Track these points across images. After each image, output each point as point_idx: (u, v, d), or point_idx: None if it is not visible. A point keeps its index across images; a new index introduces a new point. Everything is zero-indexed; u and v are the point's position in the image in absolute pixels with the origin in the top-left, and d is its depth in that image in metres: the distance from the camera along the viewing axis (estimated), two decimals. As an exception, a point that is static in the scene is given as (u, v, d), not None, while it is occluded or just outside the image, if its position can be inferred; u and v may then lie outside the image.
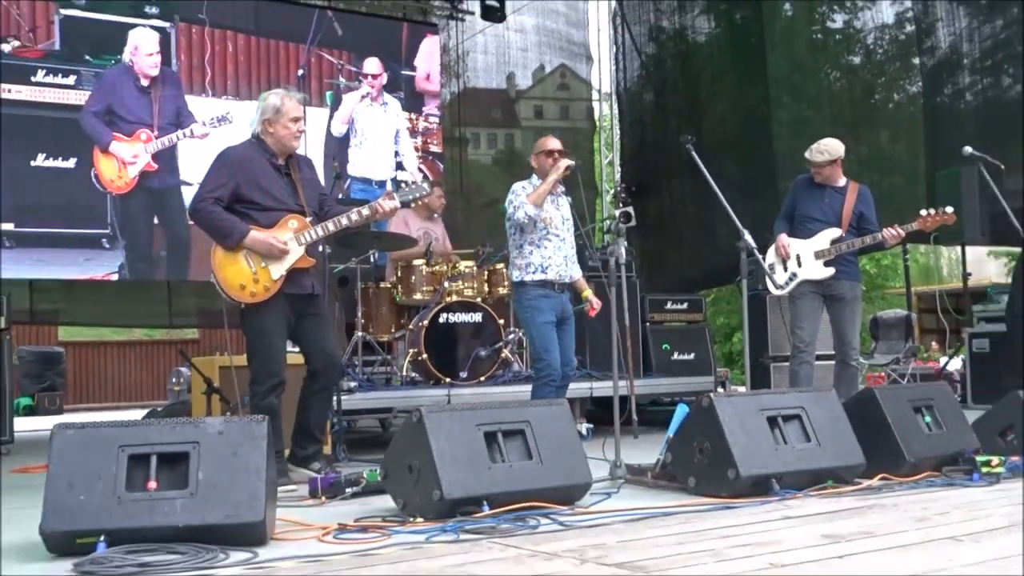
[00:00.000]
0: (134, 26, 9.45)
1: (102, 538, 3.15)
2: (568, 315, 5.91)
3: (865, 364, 9.68)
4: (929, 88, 10.08)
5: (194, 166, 9.25)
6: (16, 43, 8.92)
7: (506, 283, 7.08)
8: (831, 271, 6.32)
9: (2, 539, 3.59)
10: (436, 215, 8.21)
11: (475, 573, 2.86)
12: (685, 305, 9.18)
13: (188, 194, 9.16)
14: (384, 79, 10.80)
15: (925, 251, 20.56)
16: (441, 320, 7.18)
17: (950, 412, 4.93)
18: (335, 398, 5.68)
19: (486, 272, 7.70)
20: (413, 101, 11.06)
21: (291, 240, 4.85)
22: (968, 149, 6.71)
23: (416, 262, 7.52)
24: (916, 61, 10.24)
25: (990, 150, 6.81)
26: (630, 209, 5.37)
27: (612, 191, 12.30)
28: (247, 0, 10.22)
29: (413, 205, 5.39)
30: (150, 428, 3.55)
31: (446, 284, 7.42)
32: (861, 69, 10.89)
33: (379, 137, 10.75)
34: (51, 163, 8.97)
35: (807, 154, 6.54)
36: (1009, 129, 9.13)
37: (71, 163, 9.05)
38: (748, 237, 5.44)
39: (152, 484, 3.32)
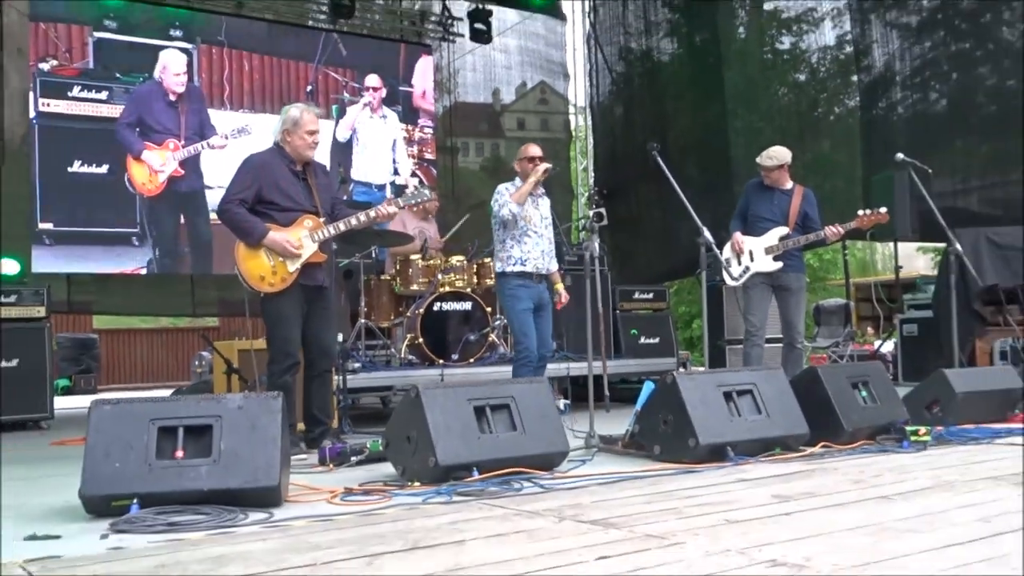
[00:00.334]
0: (161, 47, 9.48)
1: (135, 501, 3.16)
2: (545, 303, 5.92)
3: (809, 347, 9.72)
4: (866, 102, 10.10)
5: (216, 172, 9.34)
6: (54, 62, 8.92)
7: (493, 275, 7.09)
8: (779, 264, 6.35)
9: (44, 503, 3.59)
10: (430, 215, 8.22)
11: (467, 530, 2.87)
12: (651, 295, 9.19)
13: (210, 197, 9.22)
14: (384, 94, 10.80)
15: (862, 247, 20.66)
16: (435, 308, 7.19)
17: (883, 388, 4.96)
18: (339, 379, 5.70)
19: (475, 266, 7.71)
20: (409, 114, 11.06)
21: (305, 238, 4.87)
22: (900, 156, 6.73)
23: (413, 257, 7.53)
24: (854, 78, 10.25)
25: (919, 157, 6.84)
26: (602, 210, 5.38)
27: (586, 194, 12.31)
28: (261, 23, 10.23)
29: (413, 207, 5.39)
30: (178, 403, 3.57)
31: (439, 276, 7.43)
32: (806, 85, 10.92)
33: (378, 146, 10.75)
34: (86, 169, 8.97)
35: (758, 159, 6.58)
36: (936, 138, 9.19)
37: (104, 169, 9.05)
38: (707, 234, 5.46)
39: (179, 453, 3.33)
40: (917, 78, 9.66)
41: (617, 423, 4.99)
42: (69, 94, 8.96)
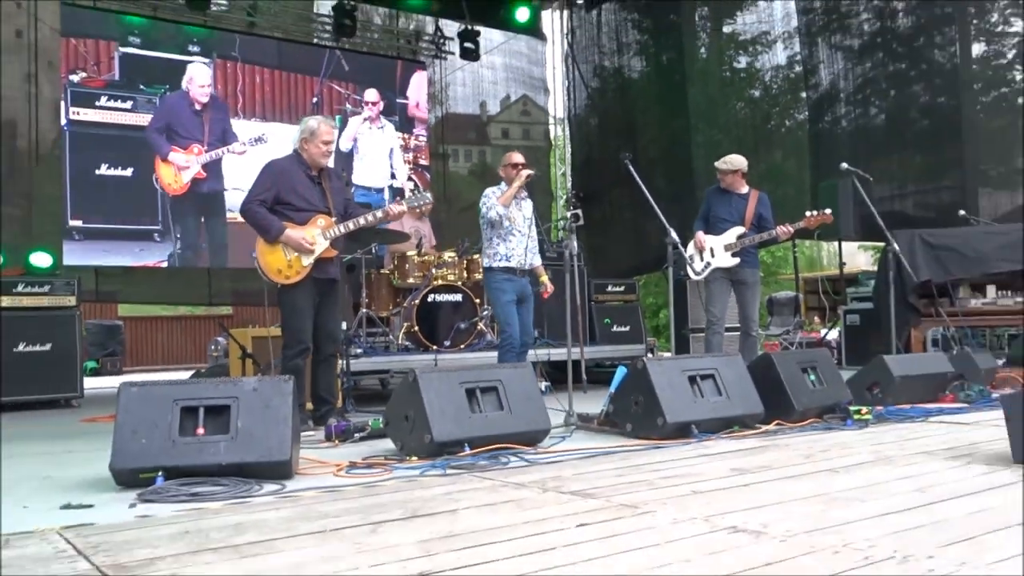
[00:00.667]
0: (181, 61, 9.44)
1: (160, 473, 3.15)
2: (528, 295, 5.91)
3: (763, 335, 9.77)
4: (813, 116, 10.15)
5: (236, 175, 9.35)
6: (83, 74, 8.87)
7: (481, 270, 7.08)
8: (737, 260, 6.36)
9: (77, 475, 3.58)
10: (424, 215, 8.19)
11: (460, 500, 2.87)
12: (622, 288, 9.21)
13: (230, 198, 9.22)
14: (381, 106, 10.76)
15: (809, 245, 20.73)
16: (429, 299, 7.17)
17: (829, 372, 4.98)
18: (342, 363, 5.68)
19: (465, 261, 7.69)
20: (405, 123, 11.03)
21: (318, 235, 4.89)
22: (845, 165, 6.76)
23: (409, 253, 7.51)
24: (803, 95, 10.30)
25: (860, 166, 6.87)
26: (579, 212, 5.36)
27: (564, 197, 12.28)
28: (271, 40, 10.20)
29: (415, 209, 5.39)
30: (198, 385, 3.53)
31: (433, 270, 7.41)
32: (760, 101, 10.95)
33: (377, 153, 10.72)
34: (112, 172, 8.92)
35: (716, 164, 6.61)
36: (875, 149, 9.25)
37: (129, 172, 9.01)
38: (674, 234, 5.46)
39: (200, 430, 3.31)
40: (859, 95, 9.73)
41: (593, 403, 5.00)
42: (97, 103, 8.91)
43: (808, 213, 6.28)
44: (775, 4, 10.53)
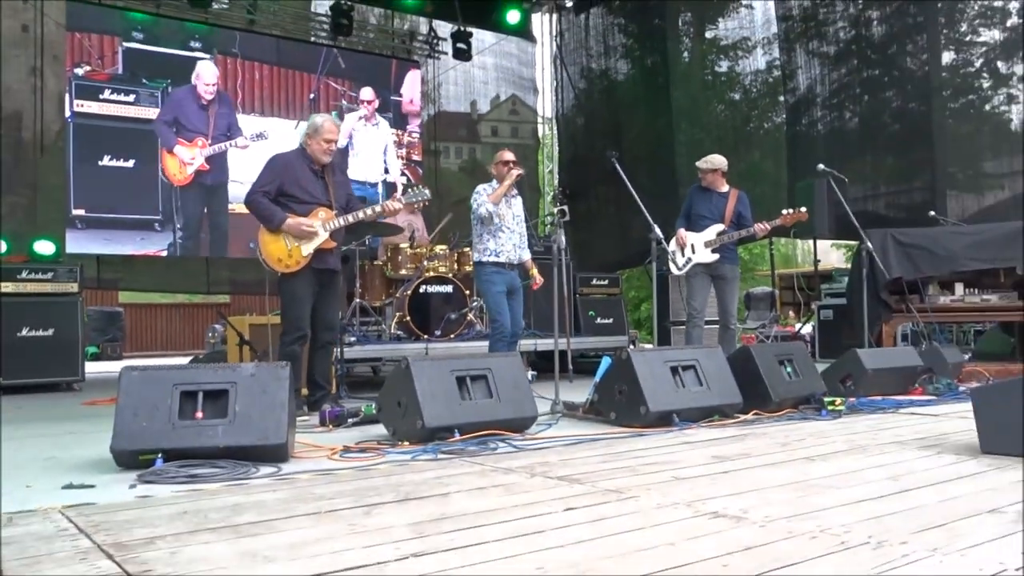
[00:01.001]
0: (184, 57, 9.41)
1: (160, 455, 3.12)
2: (517, 287, 5.89)
3: (740, 328, 9.80)
4: (791, 119, 10.16)
5: (240, 168, 9.34)
6: (87, 68, 8.79)
7: (471, 263, 7.06)
8: (717, 256, 6.37)
9: (78, 456, 3.54)
10: (417, 210, 8.14)
11: (451, 484, 2.85)
12: (606, 282, 9.21)
13: (233, 190, 9.19)
14: (376, 103, 10.71)
15: (785, 243, 20.82)
16: (421, 290, 7.15)
17: (805, 364, 4.99)
18: (336, 352, 5.66)
19: (456, 254, 7.67)
20: (399, 120, 10.97)
21: (319, 226, 4.85)
22: (821, 166, 6.77)
23: (402, 245, 7.49)
24: (781, 98, 10.31)
25: (835, 167, 6.88)
26: (566, 207, 5.36)
27: (552, 193, 12.28)
28: (270, 38, 10.12)
29: (413, 205, 5.38)
30: (198, 370, 3.50)
31: (425, 262, 7.38)
32: (740, 103, 10.96)
33: (371, 149, 10.66)
34: (114, 163, 8.85)
35: (697, 163, 6.61)
36: (849, 152, 9.27)
37: (131, 163, 8.95)
38: (658, 230, 5.46)
39: (199, 414, 3.28)
40: (834, 99, 9.75)
41: (578, 392, 5.00)
42: (101, 96, 8.83)
43: (784, 211, 6.30)
44: (756, 11, 10.54)
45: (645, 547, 2.02)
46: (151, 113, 9.09)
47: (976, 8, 9.05)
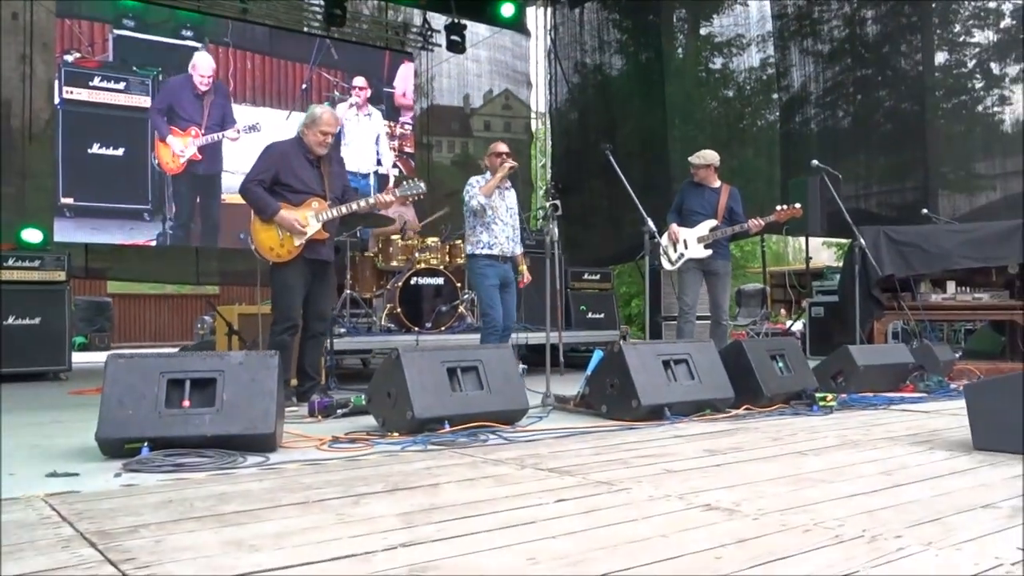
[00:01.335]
0: (175, 46, 9.34)
1: (146, 444, 3.07)
2: (510, 281, 5.86)
3: (731, 324, 9.79)
4: (784, 117, 10.17)
5: (233, 159, 9.30)
6: (77, 54, 8.70)
7: (463, 255, 7.02)
8: (709, 252, 6.35)
9: (63, 444, 3.50)
10: (410, 202, 8.10)
11: (440, 475, 2.82)
12: (598, 277, 9.18)
13: (226, 180, 9.13)
14: (369, 94, 10.64)
15: (777, 240, 20.84)
16: (412, 282, 7.11)
17: (797, 360, 4.98)
18: (326, 344, 5.62)
19: (447, 246, 7.64)
20: (392, 112, 10.91)
21: (311, 217, 4.82)
22: (815, 162, 6.77)
23: (393, 237, 7.45)
24: (775, 96, 10.31)
25: (828, 165, 6.86)
26: (558, 202, 5.32)
27: (544, 187, 12.26)
28: (263, 27, 10.04)
29: (408, 198, 5.34)
30: (185, 358, 3.45)
31: (416, 254, 7.34)
32: (734, 100, 10.96)
33: (363, 139, 10.60)
34: (104, 151, 8.77)
35: (690, 159, 6.59)
36: (842, 150, 9.28)
37: (120, 152, 8.87)
38: (651, 224, 5.44)
39: (186, 402, 3.24)
40: (827, 98, 9.77)
41: (569, 386, 4.97)
42: (90, 84, 8.74)
43: (779, 207, 6.28)
44: (751, 8, 10.53)
45: (637, 538, 2.00)
46: (141, 101, 9.01)
47: (970, 9, 9.07)
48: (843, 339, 6.26)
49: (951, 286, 6.95)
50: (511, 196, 5.97)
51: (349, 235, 7.18)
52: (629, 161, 10.39)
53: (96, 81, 8.76)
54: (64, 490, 2.58)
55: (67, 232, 8.49)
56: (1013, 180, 8.21)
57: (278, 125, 9.48)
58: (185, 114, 9.21)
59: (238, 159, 9.04)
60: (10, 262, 6.80)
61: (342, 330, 6.63)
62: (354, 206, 4.96)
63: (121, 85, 8.88)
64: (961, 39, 9.18)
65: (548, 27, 12.58)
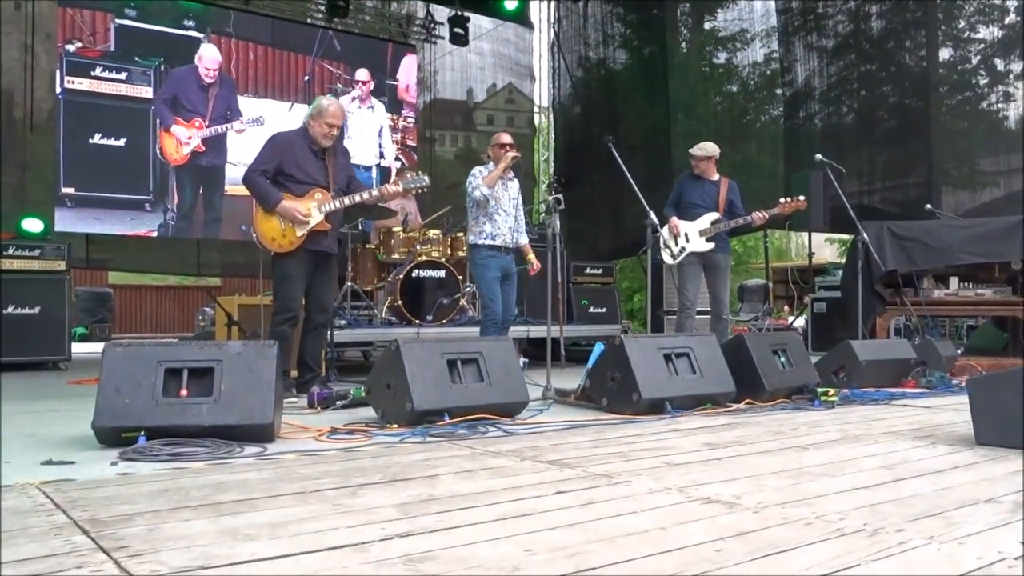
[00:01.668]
0: (177, 36, 9.32)
1: (142, 433, 3.05)
2: (512, 273, 5.82)
3: (733, 319, 9.75)
4: (788, 112, 10.13)
5: (237, 151, 9.29)
6: (79, 44, 8.68)
7: (465, 247, 7.00)
8: (712, 245, 6.31)
9: (60, 433, 3.48)
10: (411, 194, 8.07)
11: (439, 466, 2.80)
12: (600, 271, 9.16)
13: (230, 172, 9.13)
14: (372, 86, 10.60)
15: (779, 236, 20.82)
16: (413, 275, 7.08)
17: (799, 355, 4.95)
18: (328, 335, 5.60)
19: (449, 239, 7.61)
20: (394, 105, 10.87)
21: (314, 208, 4.79)
22: (819, 157, 6.73)
23: (395, 229, 7.42)
24: (778, 91, 10.27)
25: (832, 161, 6.84)
26: (561, 196, 5.30)
27: (547, 181, 12.24)
28: (265, 18, 10.00)
29: (412, 191, 5.32)
30: (183, 348, 3.43)
31: (417, 247, 7.32)
32: (737, 95, 10.91)
33: (366, 132, 10.57)
34: (105, 141, 8.75)
35: (690, 150, 6.54)
36: (845, 146, 9.23)
37: (122, 142, 8.85)
38: (654, 217, 5.41)
39: (184, 392, 3.22)
40: (831, 93, 9.73)
41: (570, 380, 4.95)
42: (92, 73, 8.72)
43: (782, 199, 6.24)
44: (755, 3, 10.48)
45: (636, 531, 1.97)
46: (143, 91, 8.98)
47: (974, 5, 9.02)
48: (845, 335, 6.23)
49: (954, 282, 6.92)
50: (514, 187, 5.93)
51: (350, 227, 7.16)
52: (632, 156, 10.36)
53: (98, 71, 8.73)
54: (59, 478, 2.56)
55: (68, 222, 8.48)
56: (1017, 176, 8.17)
57: (280, 116, 9.45)
58: (190, 105, 9.20)
59: (242, 151, 9.02)
60: (10, 251, 6.78)
61: (343, 322, 6.61)
62: (357, 198, 4.94)
63: (123, 75, 8.85)
64: (965, 35, 9.13)
65: (551, 20, 12.54)
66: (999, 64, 8.81)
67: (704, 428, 3.76)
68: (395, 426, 3.61)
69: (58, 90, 8.59)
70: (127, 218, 8.90)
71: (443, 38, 11.49)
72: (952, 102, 9.11)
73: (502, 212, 5.72)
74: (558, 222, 5.11)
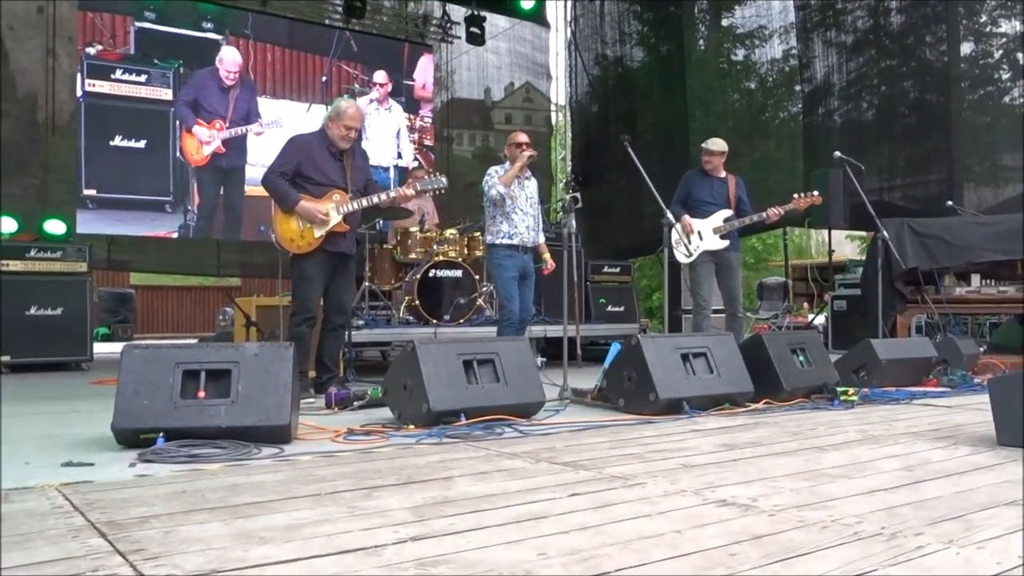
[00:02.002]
0: (196, 38, 9.42)
1: (161, 434, 3.07)
2: (529, 272, 5.81)
3: (752, 318, 9.70)
4: (807, 108, 10.06)
5: (257, 152, 9.39)
6: (99, 47, 8.78)
7: (482, 247, 7.00)
8: (726, 243, 6.27)
9: (80, 434, 3.51)
10: (429, 195, 8.08)
11: (454, 468, 2.80)
12: (618, 269, 9.13)
13: (250, 173, 9.18)
14: (389, 87, 10.65)
15: (799, 233, 20.70)
16: (430, 275, 7.09)
17: (818, 353, 4.90)
18: (345, 336, 5.62)
19: (466, 238, 7.62)
20: (412, 105, 10.91)
21: (332, 209, 4.83)
22: (837, 153, 6.67)
23: (412, 229, 7.43)
24: (797, 88, 10.22)
25: (851, 158, 6.77)
26: (578, 194, 5.28)
27: (564, 180, 12.22)
28: (283, 20, 10.07)
29: (428, 193, 5.33)
30: (200, 349, 3.46)
31: (435, 247, 7.33)
32: (755, 92, 10.86)
33: (384, 132, 10.61)
34: (126, 143, 8.84)
35: (704, 144, 6.49)
36: (865, 142, 9.16)
37: (142, 144, 8.94)
38: (671, 216, 5.37)
39: (201, 393, 3.23)
40: (851, 89, 9.65)
41: (587, 379, 4.93)
42: (112, 76, 8.82)
43: (796, 195, 6.18)
44: (773, 0, 10.41)
45: (650, 534, 1.96)
46: (163, 94, 9.07)
47: (996, -1, 8.92)
48: (865, 333, 6.18)
49: (975, 279, 6.84)
50: (531, 186, 5.92)
51: (368, 228, 7.18)
52: (649, 153, 10.34)
53: (118, 73, 8.84)
54: (78, 480, 2.58)
55: (90, 224, 8.57)
56: (1040, 172, 8.08)
57: (298, 117, 9.50)
58: (210, 107, 9.30)
59: (262, 152, 9.08)
60: (32, 253, 6.85)
61: (361, 322, 6.63)
62: (375, 199, 4.97)
63: (143, 77, 8.95)
64: (987, 29, 9.04)
65: (568, 19, 12.52)
66: (1021, 58, 8.70)
67: (721, 429, 3.73)
68: (412, 427, 3.61)
69: (79, 93, 8.69)
70: (148, 219, 8.99)
71: (460, 38, 11.52)
72: (974, 97, 9.02)
73: (519, 211, 5.71)
74: (574, 222, 5.10)
